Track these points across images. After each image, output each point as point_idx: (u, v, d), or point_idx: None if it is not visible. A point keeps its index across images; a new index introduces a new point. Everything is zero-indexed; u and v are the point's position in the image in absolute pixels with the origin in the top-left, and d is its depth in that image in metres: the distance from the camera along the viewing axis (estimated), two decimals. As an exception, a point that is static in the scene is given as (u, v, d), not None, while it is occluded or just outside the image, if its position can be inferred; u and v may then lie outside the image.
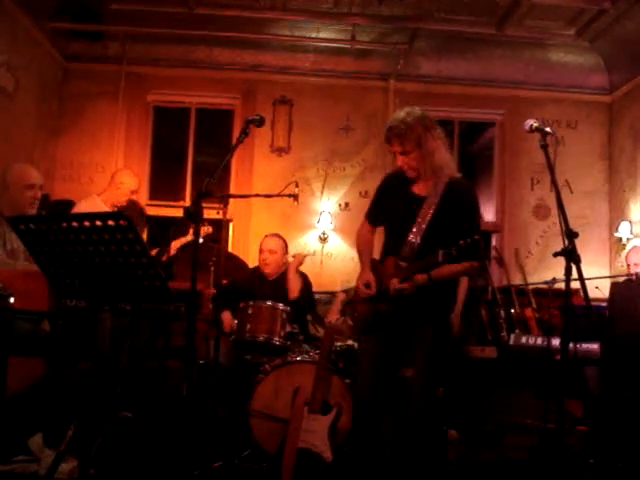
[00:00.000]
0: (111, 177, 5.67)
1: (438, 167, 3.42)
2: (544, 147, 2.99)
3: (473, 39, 7.22)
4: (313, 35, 7.20)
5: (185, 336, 2.90)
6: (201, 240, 5.33)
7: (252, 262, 5.72)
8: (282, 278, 5.27)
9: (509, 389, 5.10)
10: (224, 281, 5.44)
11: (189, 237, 5.48)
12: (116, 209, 5.41)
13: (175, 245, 5.40)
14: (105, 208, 5.33)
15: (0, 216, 3.63)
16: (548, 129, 3.03)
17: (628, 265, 5.47)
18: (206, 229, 5.43)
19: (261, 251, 5.26)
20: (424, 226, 3.39)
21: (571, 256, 2.76)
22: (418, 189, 3.51)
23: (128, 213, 5.14)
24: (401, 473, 3.47)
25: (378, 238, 3.74)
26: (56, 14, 6.58)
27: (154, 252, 5.16)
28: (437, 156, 3.41)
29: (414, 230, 3.40)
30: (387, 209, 3.62)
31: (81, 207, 5.41)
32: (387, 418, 3.87)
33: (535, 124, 3.05)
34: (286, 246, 5.38)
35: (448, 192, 3.42)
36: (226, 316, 5.07)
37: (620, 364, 4.00)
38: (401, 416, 3.54)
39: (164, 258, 5.27)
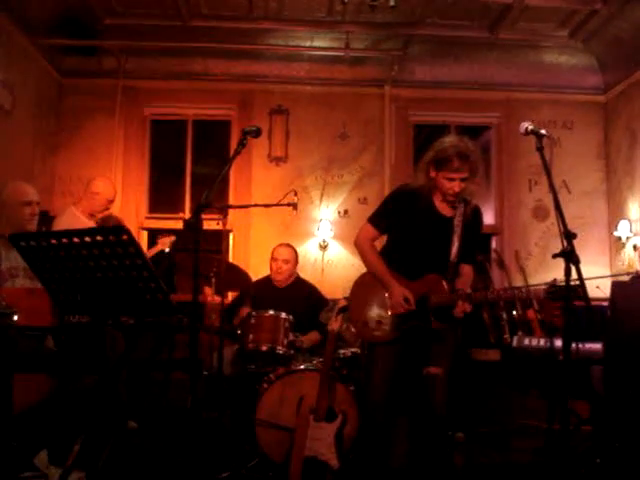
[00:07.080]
0: (86, 185, 5.53)
1: (471, 193, 3.57)
2: (540, 150, 3.00)
3: (466, 43, 7.26)
4: (307, 44, 7.23)
5: (189, 348, 2.92)
6: (167, 250, 5.61)
7: (253, 271, 5.72)
8: (292, 287, 5.35)
9: (513, 391, 5.12)
10: (234, 292, 5.52)
11: (158, 247, 5.67)
12: (94, 219, 5.39)
13: (149, 254, 5.47)
14: (84, 219, 5.23)
15: None
16: (543, 131, 3.04)
17: None
18: (169, 239, 5.63)
19: (275, 259, 5.31)
20: (457, 248, 3.55)
21: (570, 257, 2.77)
22: (443, 210, 3.63)
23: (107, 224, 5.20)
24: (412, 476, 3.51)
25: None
26: (51, 30, 6.59)
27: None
28: (477, 183, 3.56)
29: (453, 251, 3.55)
30: (407, 224, 3.64)
31: (61, 222, 5.25)
32: (401, 419, 3.90)
33: (530, 127, 3.05)
34: (297, 256, 5.46)
35: (470, 215, 3.60)
36: (207, 290, 5.13)
37: (624, 363, 4.01)
38: (423, 416, 3.60)
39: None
